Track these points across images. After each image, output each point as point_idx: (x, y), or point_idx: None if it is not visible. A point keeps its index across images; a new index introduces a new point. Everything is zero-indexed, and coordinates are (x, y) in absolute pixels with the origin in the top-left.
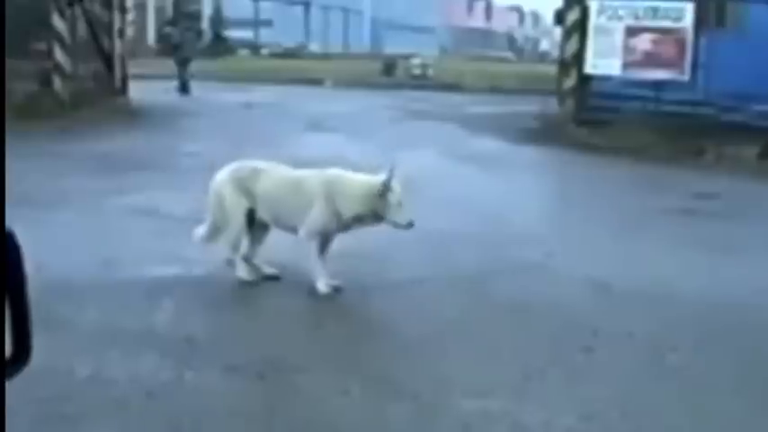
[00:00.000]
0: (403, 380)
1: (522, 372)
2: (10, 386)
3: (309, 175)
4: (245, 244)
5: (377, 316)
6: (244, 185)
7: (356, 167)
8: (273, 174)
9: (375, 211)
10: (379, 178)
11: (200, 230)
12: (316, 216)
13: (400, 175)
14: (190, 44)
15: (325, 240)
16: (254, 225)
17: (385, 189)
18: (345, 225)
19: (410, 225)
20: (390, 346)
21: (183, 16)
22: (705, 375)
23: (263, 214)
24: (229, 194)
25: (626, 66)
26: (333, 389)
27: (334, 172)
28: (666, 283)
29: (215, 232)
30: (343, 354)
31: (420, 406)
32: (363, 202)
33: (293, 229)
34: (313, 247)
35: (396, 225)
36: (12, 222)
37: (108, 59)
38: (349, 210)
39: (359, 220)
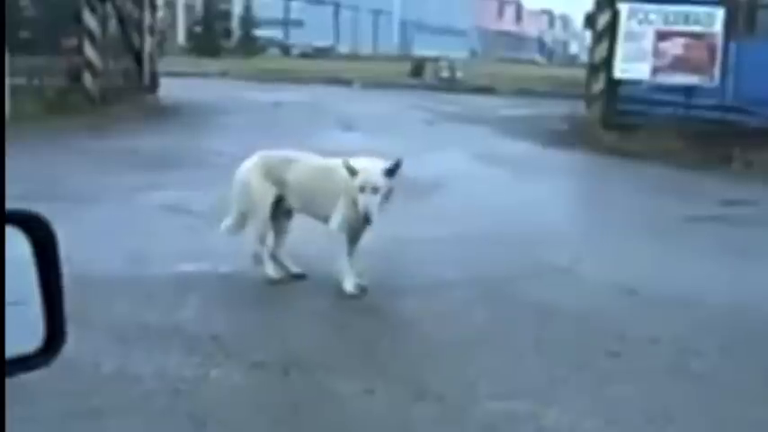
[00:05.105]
0: (428, 381)
1: (548, 375)
2: (35, 379)
3: (340, 164)
4: (270, 239)
5: (403, 317)
6: (274, 173)
7: None
8: (305, 162)
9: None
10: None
11: (227, 222)
12: (340, 206)
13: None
14: None
15: (353, 238)
16: (278, 214)
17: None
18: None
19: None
20: (416, 347)
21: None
22: (730, 381)
23: (293, 202)
24: (256, 182)
25: (655, 70)
26: (357, 388)
27: (359, 161)
28: (693, 289)
29: (242, 222)
30: (369, 354)
31: (445, 407)
32: None
33: (324, 219)
34: (341, 245)
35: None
36: None
37: (138, 56)
38: None
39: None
